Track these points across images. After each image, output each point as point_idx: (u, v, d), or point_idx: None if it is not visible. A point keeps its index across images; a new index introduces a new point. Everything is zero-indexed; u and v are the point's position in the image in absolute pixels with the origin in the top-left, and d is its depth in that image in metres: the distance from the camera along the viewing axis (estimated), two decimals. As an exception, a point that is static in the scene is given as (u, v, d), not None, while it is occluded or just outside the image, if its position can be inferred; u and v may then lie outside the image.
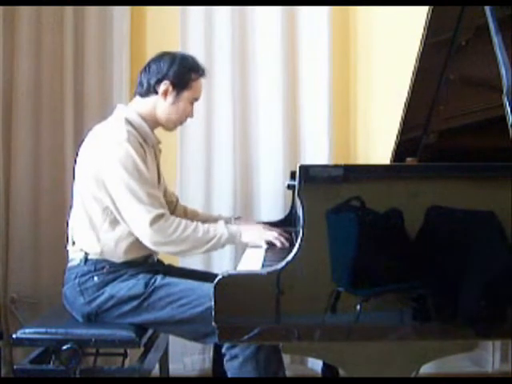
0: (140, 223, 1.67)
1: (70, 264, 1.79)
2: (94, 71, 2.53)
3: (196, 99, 1.89)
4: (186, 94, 1.83)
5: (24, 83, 2.48)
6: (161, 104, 1.83)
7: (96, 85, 2.53)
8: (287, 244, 1.81)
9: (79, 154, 1.81)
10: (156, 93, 1.82)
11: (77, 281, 1.73)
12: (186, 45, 2.54)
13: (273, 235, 1.83)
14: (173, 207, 2.12)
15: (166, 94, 1.81)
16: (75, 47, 2.51)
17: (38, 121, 2.51)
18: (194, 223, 1.74)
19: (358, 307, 1.29)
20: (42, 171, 2.51)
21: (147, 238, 1.68)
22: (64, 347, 1.63)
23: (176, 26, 2.55)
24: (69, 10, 2.49)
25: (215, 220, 2.15)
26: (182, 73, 1.82)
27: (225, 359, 1.62)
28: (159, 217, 1.67)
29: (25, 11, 2.46)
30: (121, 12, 2.52)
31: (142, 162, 1.70)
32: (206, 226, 1.75)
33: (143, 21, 2.63)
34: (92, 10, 2.51)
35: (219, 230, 1.76)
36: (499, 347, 2.59)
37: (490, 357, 2.59)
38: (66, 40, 2.49)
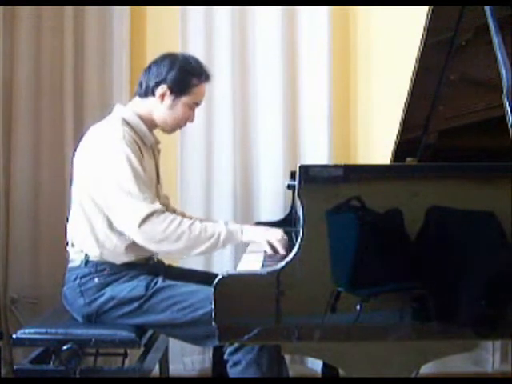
0: (131, 221, 1.62)
1: (70, 265, 1.78)
2: (93, 71, 2.53)
3: (197, 104, 1.85)
4: (184, 99, 1.79)
5: (24, 83, 2.48)
6: (158, 107, 1.80)
7: (96, 84, 2.53)
8: (283, 251, 1.67)
9: (76, 155, 1.79)
10: (153, 95, 1.79)
11: (77, 282, 1.72)
12: (186, 45, 2.54)
13: (276, 237, 1.71)
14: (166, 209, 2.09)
15: (162, 97, 1.78)
16: (75, 47, 2.52)
17: (38, 121, 2.51)
18: (191, 220, 1.68)
19: (358, 307, 1.28)
20: (42, 171, 2.51)
21: (139, 235, 1.63)
22: (64, 347, 1.62)
23: (176, 26, 2.55)
24: (69, 10, 2.49)
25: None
26: (181, 78, 1.77)
27: (228, 365, 1.61)
28: (151, 214, 1.62)
29: (25, 11, 2.47)
30: (121, 12, 2.53)
31: (138, 161, 1.67)
32: (204, 223, 1.69)
33: (143, 21, 2.63)
34: (92, 10, 2.51)
35: (218, 227, 1.68)
36: (499, 347, 2.59)
37: (490, 357, 2.59)
38: (66, 40, 2.50)
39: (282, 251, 1.66)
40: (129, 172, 1.64)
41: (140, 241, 1.65)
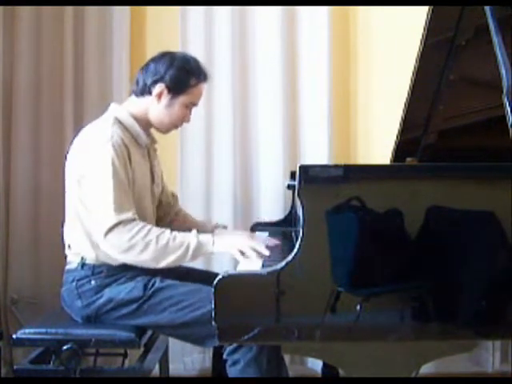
0: (98, 229, 1.61)
1: (67, 266, 1.77)
2: (93, 71, 2.53)
3: (194, 104, 1.82)
4: (181, 99, 1.76)
5: (24, 83, 2.48)
6: (154, 106, 1.77)
7: (96, 84, 2.53)
8: (266, 253, 1.61)
9: (68, 156, 1.76)
10: (150, 94, 1.76)
11: (74, 284, 1.71)
12: (186, 45, 2.54)
13: (248, 245, 1.64)
14: (169, 208, 2.07)
15: (160, 96, 1.75)
16: (75, 47, 2.52)
17: (37, 120, 2.51)
18: (161, 230, 1.63)
19: (358, 307, 1.29)
20: (41, 171, 2.51)
21: (105, 244, 1.61)
22: (64, 347, 1.62)
23: (176, 26, 2.55)
24: (69, 9, 2.49)
25: (206, 227, 2.03)
26: (180, 77, 1.74)
27: (227, 365, 1.61)
28: (118, 223, 1.59)
29: (25, 11, 2.46)
30: (121, 12, 2.52)
31: (123, 165, 1.64)
32: (174, 233, 1.63)
33: (143, 21, 2.63)
34: (92, 10, 2.51)
35: (187, 237, 1.63)
36: (499, 347, 2.59)
37: (490, 357, 2.59)
38: (66, 40, 2.49)
39: (256, 258, 1.60)
40: (109, 176, 1.62)
41: (106, 250, 1.63)
